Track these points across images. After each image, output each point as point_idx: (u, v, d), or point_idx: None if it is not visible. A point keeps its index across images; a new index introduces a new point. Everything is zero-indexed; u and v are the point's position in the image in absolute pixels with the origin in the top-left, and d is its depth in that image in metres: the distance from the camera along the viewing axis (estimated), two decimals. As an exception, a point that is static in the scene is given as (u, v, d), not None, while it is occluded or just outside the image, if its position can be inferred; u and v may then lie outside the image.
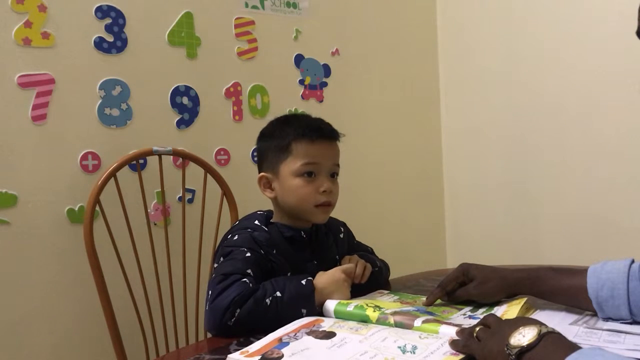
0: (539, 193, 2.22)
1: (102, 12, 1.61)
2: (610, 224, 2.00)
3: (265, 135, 1.21)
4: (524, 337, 0.70)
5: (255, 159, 1.88)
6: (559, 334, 0.71)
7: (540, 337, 0.69)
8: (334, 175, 1.17)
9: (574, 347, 0.67)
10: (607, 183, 2.00)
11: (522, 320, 0.75)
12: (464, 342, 0.79)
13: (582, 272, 0.96)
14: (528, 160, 2.24)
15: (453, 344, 0.80)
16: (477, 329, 0.79)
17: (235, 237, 1.11)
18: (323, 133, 1.15)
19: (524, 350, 0.69)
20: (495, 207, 2.37)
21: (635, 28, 0.89)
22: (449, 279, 1.06)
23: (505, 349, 0.70)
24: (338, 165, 1.18)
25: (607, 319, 0.93)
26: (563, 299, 0.99)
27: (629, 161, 1.94)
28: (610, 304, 0.91)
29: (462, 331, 0.83)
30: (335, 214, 1.22)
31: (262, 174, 1.17)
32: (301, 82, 2.08)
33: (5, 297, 1.46)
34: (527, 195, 2.25)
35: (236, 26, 1.89)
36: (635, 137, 1.92)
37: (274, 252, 1.11)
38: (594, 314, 0.94)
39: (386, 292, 1.17)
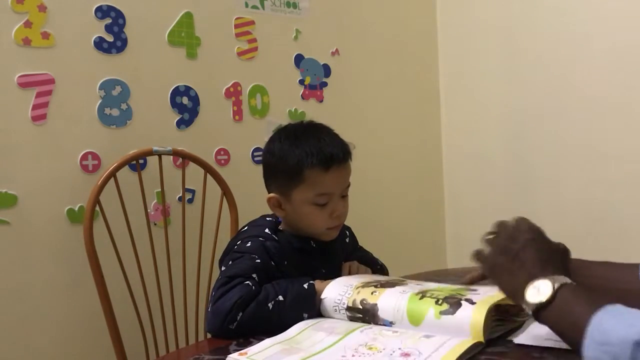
0: (540, 195, 2.21)
1: (102, 12, 1.61)
2: (611, 224, 1.99)
3: (273, 155, 1.13)
4: (538, 292, 0.67)
5: (256, 159, 1.91)
6: (572, 283, 0.67)
7: (556, 291, 0.65)
8: (344, 194, 1.13)
9: (594, 301, 0.62)
10: (608, 183, 2.00)
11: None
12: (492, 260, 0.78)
13: (628, 265, 0.82)
14: (529, 162, 2.24)
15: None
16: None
17: (249, 244, 1.09)
18: (337, 159, 1.08)
19: (540, 308, 0.66)
20: (495, 208, 2.36)
21: (636, 28, 0.88)
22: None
23: (523, 304, 0.68)
24: (349, 184, 1.14)
25: None
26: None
27: (630, 158, 1.94)
28: None
29: (479, 253, 0.82)
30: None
31: (272, 195, 1.13)
32: (301, 82, 2.07)
33: (5, 297, 1.46)
34: (528, 196, 2.25)
35: (236, 26, 1.89)
36: (636, 134, 1.92)
37: (285, 263, 1.09)
38: None
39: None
